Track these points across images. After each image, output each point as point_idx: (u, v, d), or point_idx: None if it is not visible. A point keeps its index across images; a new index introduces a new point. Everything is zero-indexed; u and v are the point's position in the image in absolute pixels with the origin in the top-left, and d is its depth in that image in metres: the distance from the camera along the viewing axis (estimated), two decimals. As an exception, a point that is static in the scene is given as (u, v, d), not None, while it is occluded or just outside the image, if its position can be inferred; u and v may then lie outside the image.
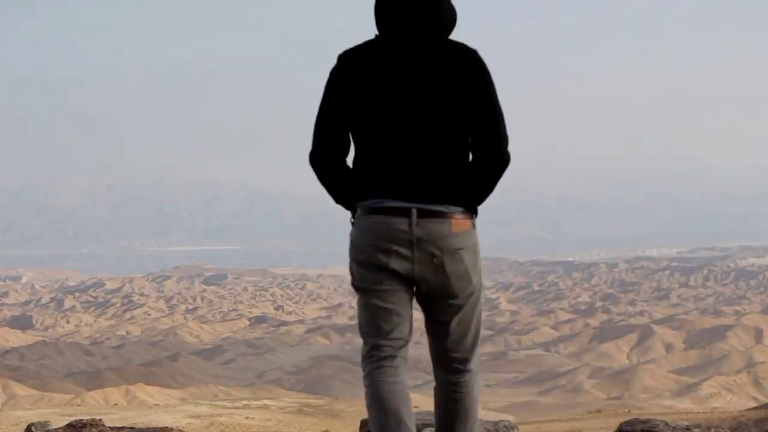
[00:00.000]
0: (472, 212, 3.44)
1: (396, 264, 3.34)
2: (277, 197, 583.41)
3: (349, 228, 3.51)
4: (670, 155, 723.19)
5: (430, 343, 3.59)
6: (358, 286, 3.46)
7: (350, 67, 3.35)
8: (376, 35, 3.41)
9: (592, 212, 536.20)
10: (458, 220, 3.36)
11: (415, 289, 3.42)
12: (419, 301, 3.49)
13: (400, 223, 3.31)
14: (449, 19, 3.42)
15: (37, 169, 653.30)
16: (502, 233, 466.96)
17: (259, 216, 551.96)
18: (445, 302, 3.42)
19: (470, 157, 3.42)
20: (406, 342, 3.47)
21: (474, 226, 3.46)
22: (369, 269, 3.39)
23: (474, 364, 3.58)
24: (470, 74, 3.33)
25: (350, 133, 3.42)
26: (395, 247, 3.32)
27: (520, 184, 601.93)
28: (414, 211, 3.31)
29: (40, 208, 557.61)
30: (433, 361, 3.60)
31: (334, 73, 3.39)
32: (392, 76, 3.32)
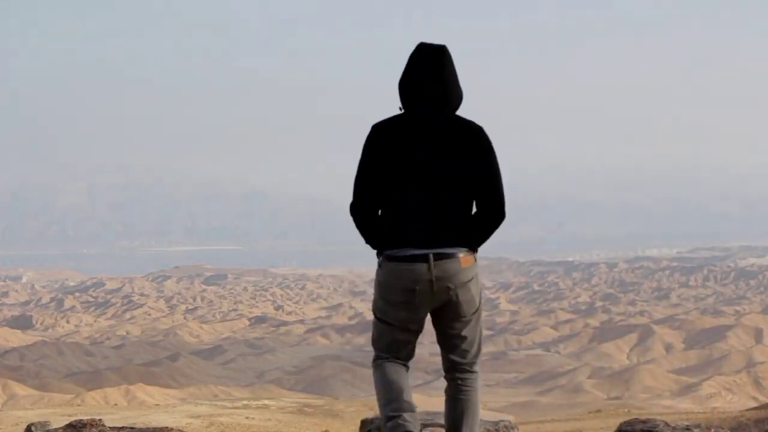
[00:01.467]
0: (473, 251, 4.44)
1: (420, 300, 4.36)
2: (277, 197, 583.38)
3: (374, 263, 4.53)
4: (670, 155, 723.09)
5: (442, 353, 4.59)
6: (382, 319, 4.47)
7: (381, 137, 4.35)
8: (400, 108, 4.43)
9: (592, 212, 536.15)
10: (464, 257, 4.38)
11: (431, 314, 4.46)
12: (434, 322, 4.53)
13: (422, 266, 4.30)
14: (458, 96, 4.44)
15: (37, 169, 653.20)
16: (502, 233, 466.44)
17: (259, 216, 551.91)
18: (456, 322, 4.46)
19: (473, 209, 4.44)
20: (411, 358, 4.57)
21: (476, 260, 4.48)
22: (396, 308, 4.40)
23: (477, 366, 4.59)
24: (479, 148, 4.35)
25: (381, 188, 4.36)
26: (418, 287, 4.32)
27: (520, 184, 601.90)
28: (431, 256, 4.30)
29: (40, 208, 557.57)
30: (444, 368, 4.58)
31: (369, 141, 4.38)
32: (415, 146, 4.32)
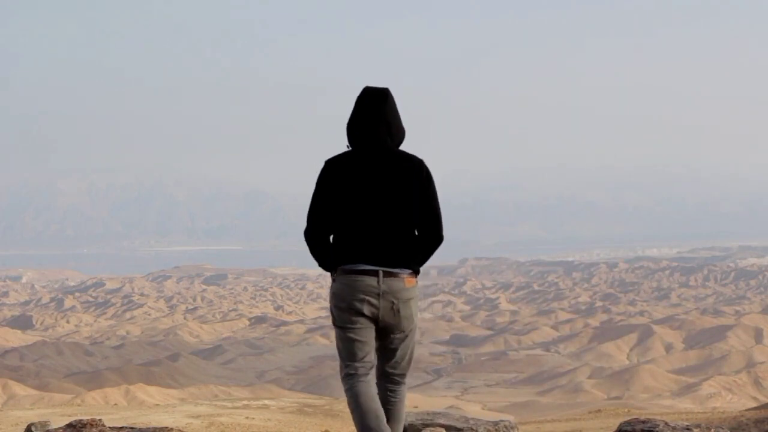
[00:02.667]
0: (415, 272, 5.10)
1: (366, 309, 5.00)
2: (277, 197, 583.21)
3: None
4: (670, 155, 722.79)
5: (378, 363, 5.19)
6: (338, 324, 5.08)
7: (332, 171, 5.03)
8: (348, 146, 5.10)
9: (592, 212, 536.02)
10: (408, 278, 5.05)
11: (376, 325, 5.08)
12: (377, 333, 5.13)
13: (371, 280, 4.98)
14: (400, 134, 5.10)
15: (37, 169, 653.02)
16: (502, 233, 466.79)
17: (259, 216, 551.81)
18: (395, 335, 5.10)
19: (415, 233, 5.10)
20: (373, 364, 5.11)
21: (416, 283, 5.13)
22: (347, 313, 5.02)
23: (406, 378, 5.25)
24: (418, 179, 5.02)
25: (333, 217, 5.04)
26: (367, 297, 4.99)
27: (520, 184, 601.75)
28: (381, 272, 4.98)
29: (40, 208, 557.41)
30: (377, 375, 5.20)
31: (322, 175, 5.06)
32: (363, 178, 4.98)
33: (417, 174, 5.02)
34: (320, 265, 5.15)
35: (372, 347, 5.09)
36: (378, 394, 5.11)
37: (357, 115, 5.06)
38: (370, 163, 5.01)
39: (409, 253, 5.04)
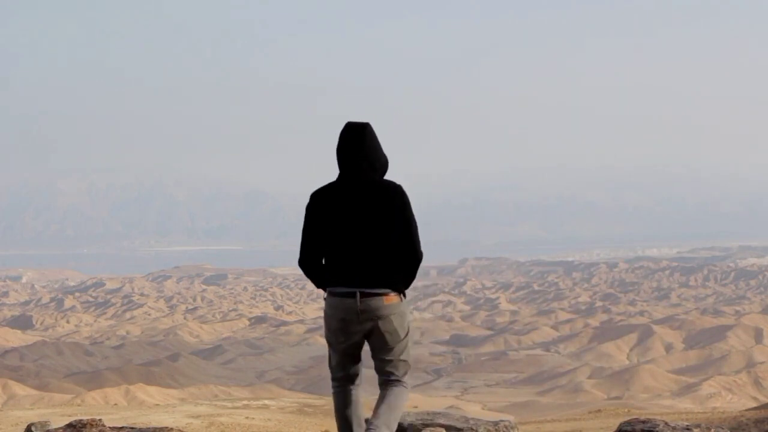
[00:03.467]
0: (399, 291, 5.51)
1: (351, 327, 5.50)
2: (277, 197, 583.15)
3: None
4: (670, 155, 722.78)
5: (376, 367, 5.64)
6: (329, 342, 5.62)
7: (318, 203, 5.54)
8: (339, 175, 5.57)
9: (592, 212, 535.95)
10: (389, 297, 5.47)
11: (365, 340, 5.58)
12: (369, 345, 5.63)
13: (351, 301, 5.45)
14: (381, 164, 5.56)
15: (37, 169, 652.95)
16: (502, 233, 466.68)
17: (259, 216, 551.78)
18: (382, 347, 5.56)
19: (396, 256, 5.50)
20: (359, 375, 5.69)
21: (401, 299, 5.54)
22: (335, 332, 5.55)
23: (406, 380, 5.65)
24: (396, 205, 5.44)
25: (321, 245, 5.55)
26: (349, 317, 5.48)
27: (520, 184, 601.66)
28: (358, 293, 5.44)
29: (40, 208, 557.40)
30: (378, 380, 5.66)
31: (309, 207, 5.58)
32: (344, 208, 5.48)
33: (393, 201, 5.45)
34: (315, 285, 5.73)
35: (357, 361, 5.66)
36: (380, 391, 5.65)
37: (340, 149, 5.57)
38: (351, 194, 5.50)
39: (388, 273, 5.47)
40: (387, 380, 5.64)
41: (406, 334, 5.59)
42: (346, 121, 5.66)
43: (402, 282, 5.52)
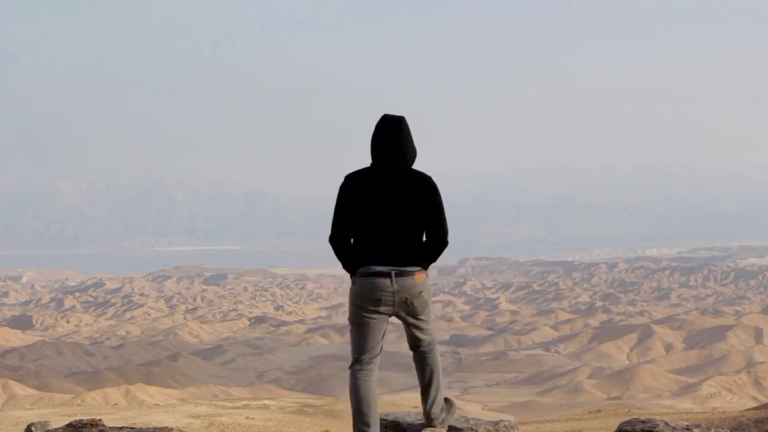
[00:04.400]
0: (425, 269, 5.93)
1: (383, 308, 5.87)
2: (277, 197, 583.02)
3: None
4: (670, 155, 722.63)
5: (407, 337, 6.10)
6: (354, 321, 5.94)
7: (352, 185, 5.86)
8: (371, 163, 5.93)
9: (592, 212, 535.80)
10: (417, 275, 5.89)
11: (391, 316, 5.94)
12: (400, 319, 6.00)
13: (386, 280, 5.83)
14: (412, 156, 5.95)
15: (37, 169, 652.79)
16: (502, 233, 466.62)
17: (259, 216, 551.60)
18: (415, 320, 5.98)
19: (424, 238, 5.94)
20: (378, 355, 5.98)
21: (426, 275, 5.97)
22: (364, 311, 5.88)
23: (434, 340, 6.15)
24: (426, 192, 5.85)
25: (352, 225, 5.86)
26: (383, 296, 5.84)
27: (520, 184, 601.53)
28: (393, 273, 5.83)
29: (40, 208, 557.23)
30: (410, 346, 6.16)
31: (343, 188, 5.90)
32: (378, 192, 5.82)
33: (424, 188, 5.85)
34: (343, 266, 5.99)
35: (379, 342, 5.96)
36: (415, 358, 6.14)
37: (375, 139, 5.93)
38: (384, 180, 5.85)
39: (417, 253, 5.87)
40: (421, 349, 6.10)
41: (431, 303, 6.08)
42: (382, 114, 5.99)
43: (428, 261, 5.93)
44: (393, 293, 5.83)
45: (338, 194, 5.91)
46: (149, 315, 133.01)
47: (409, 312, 5.92)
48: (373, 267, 5.83)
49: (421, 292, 5.90)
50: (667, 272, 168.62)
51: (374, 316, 5.87)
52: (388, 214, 5.81)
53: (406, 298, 5.86)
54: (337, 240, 5.91)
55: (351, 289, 5.98)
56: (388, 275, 5.81)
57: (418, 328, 6.01)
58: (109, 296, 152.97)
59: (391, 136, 5.89)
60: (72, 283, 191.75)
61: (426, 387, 6.16)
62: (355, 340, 5.96)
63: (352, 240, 5.94)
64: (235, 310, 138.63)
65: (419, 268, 5.89)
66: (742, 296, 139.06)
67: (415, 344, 6.12)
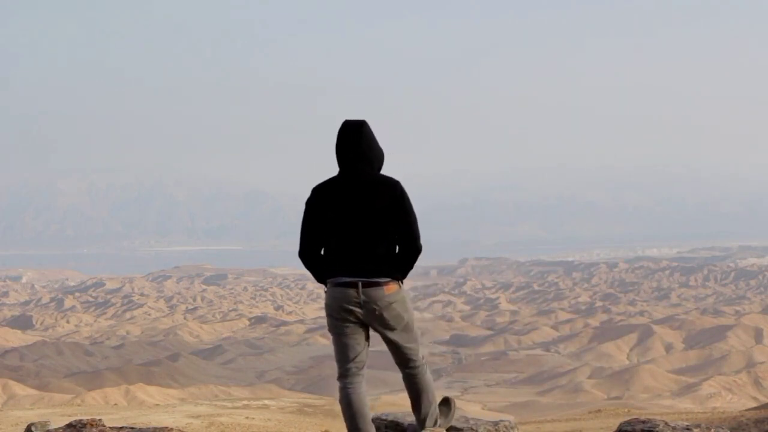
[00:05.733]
0: (398, 279, 5.73)
1: (353, 317, 5.71)
2: (277, 197, 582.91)
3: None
4: (670, 155, 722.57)
5: (391, 354, 5.92)
6: (332, 331, 5.79)
7: (318, 197, 5.72)
8: (339, 171, 5.76)
9: (592, 212, 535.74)
10: (389, 285, 5.69)
11: (367, 329, 5.80)
12: (379, 334, 5.83)
13: (352, 291, 5.67)
14: (378, 160, 5.77)
15: (37, 169, 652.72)
16: (502, 233, 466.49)
17: (259, 216, 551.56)
18: (388, 333, 5.79)
19: (396, 248, 5.74)
20: (365, 363, 5.84)
21: (400, 286, 5.75)
22: (338, 320, 5.74)
23: (420, 361, 5.95)
24: (391, 198, 5.65)
25: (320, 237, 5.73)
26: (351, 307, 5.69)
27: (520, 184, 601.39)
28: (359, 283, 5.66)
29: (40, 208, 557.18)
30: (396, 364, 5.97)
31: (309, 200, 5.75)
32: (345, 201, 5.66)
33: (389, 193, 5.67)
34: (315, 278, 5.88)
35: (362, 349, 5.81)
36: (403, 379, 6.00)
37: (338, 147, 5.78)
38: (351, 188, 5.69)
39: (388, 263, 5.70)
40: (407, 366, 5.93)
41: (411, 318, 5.85)
42: (343, 120, 5.81)
43: (400, 271, 5.75)
44: (360, 304, 5.67)
45: (305, 206, 5.80)
46: (149, 315, 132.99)
47: (382, 324, 5.74)
48: (341, 278, 5.69)
49: (391, 303, 5.70)
50: (667, 272, 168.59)
51: (348, 325, 5.73)
52: (353, 222, 5.65)
53: (374, 309, 5.67)
54: (304, 255, 5.81)
55: (325, 300, 5.87)
56: (354, 285, 5.66)
57: (395, 344, 5.83)
58: (109, 296, 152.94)
59: (353, 143, 5.73)
60: (72, 283, 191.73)
61: (415, 405, 6.06)
62: (338, 351, 5.83)
63: (322, 251, 5.80)
64: (235, 310, 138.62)
65: (389, 279, 5.69)
66: (742, 296, 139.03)
67: (399, 362, 5.95)
